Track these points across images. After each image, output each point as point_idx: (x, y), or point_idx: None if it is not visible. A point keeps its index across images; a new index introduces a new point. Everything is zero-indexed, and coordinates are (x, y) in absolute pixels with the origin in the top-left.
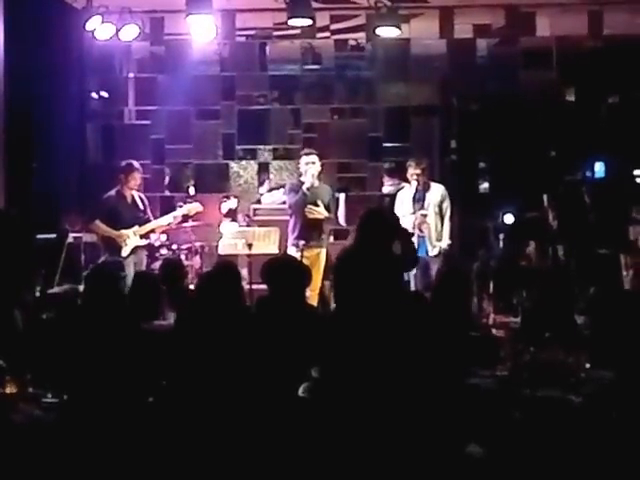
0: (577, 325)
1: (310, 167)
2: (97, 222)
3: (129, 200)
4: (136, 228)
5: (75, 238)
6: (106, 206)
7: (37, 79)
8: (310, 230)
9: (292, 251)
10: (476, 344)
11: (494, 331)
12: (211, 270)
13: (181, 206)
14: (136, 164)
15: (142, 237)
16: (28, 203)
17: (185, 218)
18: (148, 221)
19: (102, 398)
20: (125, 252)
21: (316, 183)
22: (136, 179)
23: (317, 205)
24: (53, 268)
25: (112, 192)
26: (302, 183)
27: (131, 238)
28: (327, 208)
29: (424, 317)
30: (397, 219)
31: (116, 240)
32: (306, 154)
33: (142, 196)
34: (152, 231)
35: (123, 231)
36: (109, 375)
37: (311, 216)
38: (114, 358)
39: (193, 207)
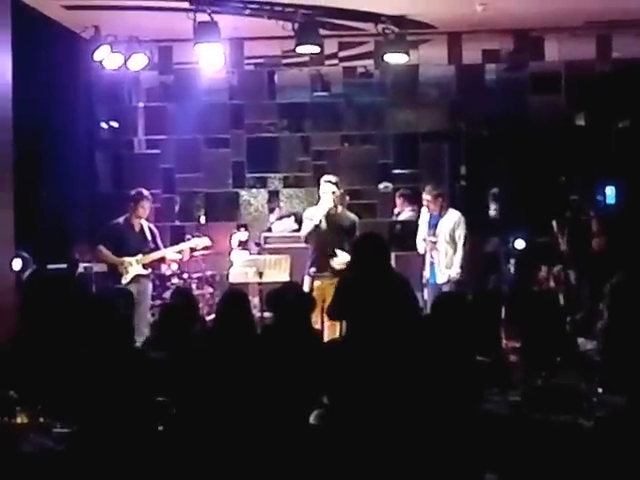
0: (579, 349)
1: (327, 195)
2: (100, 247)
3: (137, 229)
4: (139, 257)
5: (86, 268)
6: (112, 232)
7: (46, 109)
8: (324, 259)
9: (307, 280)
10: (487, 369)
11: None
12: (221, 298)
13: (189, 239)
14: (146, 193)
15: (145, 266)
16: (38, 233)
17: (192, 251)
18: (154, 251)
19: (111, 428)
20: (125, 280)
21: (338, 210)
22: (145, 208)
23: (336, 235)
24: (64, 299)
25: (120, 219)
26: (319, 211)
27: (133, 266)
28: (345, 234)
29: (430, 342)
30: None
31: (117, 267)
32: (325, 181)
33: (152, 226)
34: (159, 261)
35: (125, 258)
36: (118, 404)
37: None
38: (122, 387)
39: (201, 241)
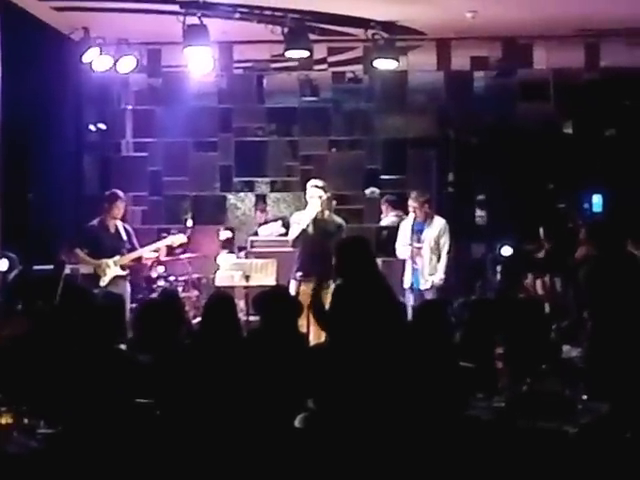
0: (564, 356)
1: (314, 200)
2: (77, 251)
3: (112, 230)
4: (117, 258)
5: (72, 269)
6: (87, 235)
7: (34, 111)
8: (311, 264)
9: (293, 284)
10: (472, 375)
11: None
12: (207, 301)
13: (165, 237)
14: (120, 193)
15: (123, 267)
16: (24, 234)
17: (169, 249)
18: (131, 251)
19: (95, 429)
20: (104, 282)
21: (325, 214)
22: (119, 208)
23: (323, 239)
24: (51, 300)
25: (94, 221)
26: (306, 215)
27: (111, 268)
28: (332, 239)
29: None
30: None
31: (95, 269)
32: (311, 186)
33: (127, 226)
34: (136, 261)
35: (102, 260)
36: (102, 406)
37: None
38: (107, 388)
39: (177, 238)
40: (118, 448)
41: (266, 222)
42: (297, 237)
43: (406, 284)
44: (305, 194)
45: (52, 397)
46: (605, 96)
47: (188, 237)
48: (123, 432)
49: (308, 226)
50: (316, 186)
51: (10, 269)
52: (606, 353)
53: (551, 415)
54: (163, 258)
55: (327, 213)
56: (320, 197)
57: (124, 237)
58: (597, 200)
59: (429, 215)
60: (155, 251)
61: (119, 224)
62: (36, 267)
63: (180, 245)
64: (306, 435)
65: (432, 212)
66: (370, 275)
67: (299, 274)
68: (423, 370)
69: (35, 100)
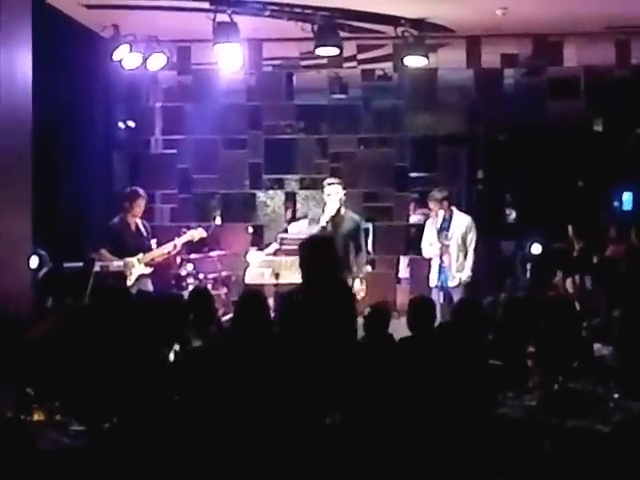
0: (597, 355)
1: (332, 197)
2: (102, 251)
3: (133, 228)
4: (140, 256)
5: (102, 267)
6: (111, 234)
7: (64, 108)
8: None
9: None
10: (502, 373)
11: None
12: (238, 298)
13: (185, 232)
14: (141, 191)
15: (147, 265)
16: (55, 232)
17: (192, 244)
18: (151, 248)
19: (130, 426)
20: (130, 281)
21: (342, 212)
22: (140, 206)
23: (340, 237)
24: (81, 297)
25: (115, 220)
26: (325, 213)
27: (136, 266)
28: (349, 237)
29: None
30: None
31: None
32: (328, 184)
33: (145, 223)
34: (161, 257)
35: (128, 259)
36: (135, 403)
37: None
38: (141, 385)
39: (197, 233)
40: (151, 445)
41: (294, 219)
42: None
43: (432, 282)
44: (324, 191)
45: (84, 394)
46: (636, 93)
47: (212, 233)
48: (156, 429)
49: (327, 224)
50: (333, 184)
51: (40, 266)
52: (638, 351)
53: (583, 414)
54: (192, 256)
55: (344, 210)
56: (337, 193)
57: (144, 234)
58: (627, 198)
59: (450, 210)
60: (175, 247)
61: (139, 222)
62: (66, 264)
63: (200, 240)
64: (337, 433)
65: (451, 207)
66: (328, 277)
67: None
68: (455, 368)
69: (66, 97)
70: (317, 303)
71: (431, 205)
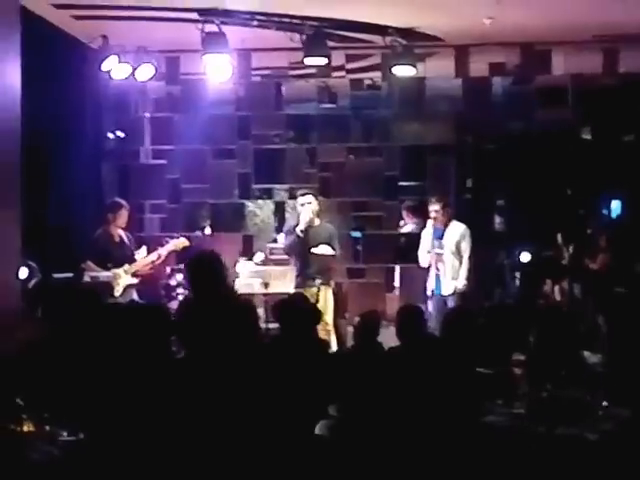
0: (585, 363)
1: (305, 207)
2: (88, 263)
3: (116, 239)
4: (126, 267)
5: (92, 277)
6: (95, 246)
7: (53, 119)
8: (307, 269)
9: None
10: (491, 381)
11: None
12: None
13: (167, 242)
14: (123, 202)
15: (134, 276)
16: (44, 243)
17: (177, 254)
18: (135, 259)
19: (117, 436)
20: (118, 292)
21: (316, 222)
22: (124, 217)
23: (315, 246)
24: (69, 308)
25: (99, 231)
26: (299, 224)
27: (122, 277)
28: (327, 244)
29: (434, 357)
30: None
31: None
32: (301, 195)
33: (128, 234)
34: (145, 267)
35: (115, 270)
36: (122, 413)
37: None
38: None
39: (180, 242)
40: (138, 455)
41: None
42: (290, 245)
43: (428, 291)
44: (296, 202)
45: (73, 404)
46: (624, 101)
47: (199, 243)
48: (145, 439)
49: (302, 233)
50: (307, 194)
51: (30, 277)
52: (626, 359)
53: (571, 421)
54: (182, 266)
55: (318, 221)
56: (310, 203)
57: (128, 245)
58: (616, 206)
59: (449, 220)
60: (160, 256)
61: (122, 233)
62: (56, 275)
63: (185, 249)
64: (327, 442)
65: (451, 217)
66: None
67: (298, 280)
68: (443, 377)
69: (55, 108)
70: (208, 318)
71: (433, 210)
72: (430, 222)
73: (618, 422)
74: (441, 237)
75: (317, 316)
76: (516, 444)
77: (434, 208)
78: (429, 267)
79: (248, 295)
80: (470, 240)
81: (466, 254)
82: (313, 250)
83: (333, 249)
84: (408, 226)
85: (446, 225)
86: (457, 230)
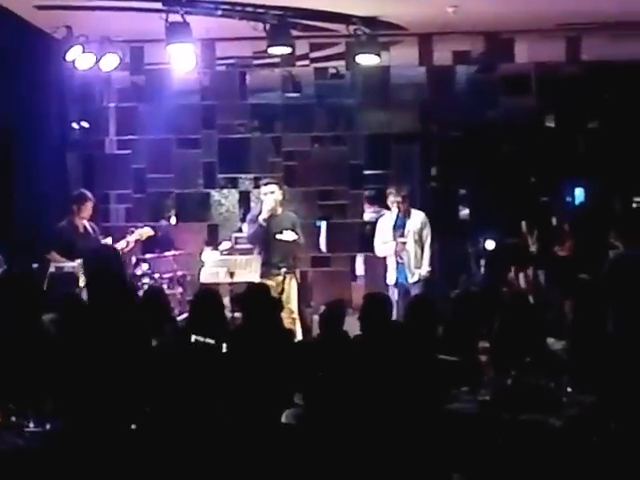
0: (549, 349)
1: (268, 197)
2: (53, 253)
3: (81, 229)
4: None
5: (57, 268)
6: (59, 237)
7: (17, 110)
8: (272, 258)
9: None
10: (456, 369)
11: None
12: (194, 297)
13: (132, 232)
14: (88, 194)
15: None
16: (10, 234)
17: (143, 243)
18: None
19: (85, 427)
20: (82, 283)
21: (278, 211)
22: (88, 209)
23: (280, 233)
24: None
25: (63, 222)
26: (262, 213)
27: None
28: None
29: (399, 345)
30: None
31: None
32: (264, 184)
33: (93, 225)
34: None
35: (80, 261)
36: (91, 403)
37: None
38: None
39: (144, 232)
40: (106, 446)
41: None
42: (253, 235)
43: (390, 280)
44: (260, 191)
45: (39, 395)
46: (587, 89)
47: (165, 232)
48: (112, 430)
49: (264, 223)
50: (269, 183)
51: None
52: (590, 345)
53: (536, 408)
54: (148, 255)
55: (280, 210)
56: (272, 192)
57: (93, 236)
58: (579, 193)
59: (408, 210)
60: (128, 244)
61: (87, 224)
62: (21, 266)
63: (149, 238)
64: (293, 430)
65: (409, 207)
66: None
67: (263, 269)
68: (408, 364)
69: (18, 99)
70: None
71: (393, 201)
72: (391, 212)
73: (582, 408)
74: (403, 226)
75: (280, 304)
76: (482, 431)
77: (396, 199)
78: (387, 256)
79: (213, 284)
80: (430, 228)
81: (427, 241)
82: (277, 236)
83: (297, 235)
84: (367, 214)
85: (406, 214)
86: (418, 218)
